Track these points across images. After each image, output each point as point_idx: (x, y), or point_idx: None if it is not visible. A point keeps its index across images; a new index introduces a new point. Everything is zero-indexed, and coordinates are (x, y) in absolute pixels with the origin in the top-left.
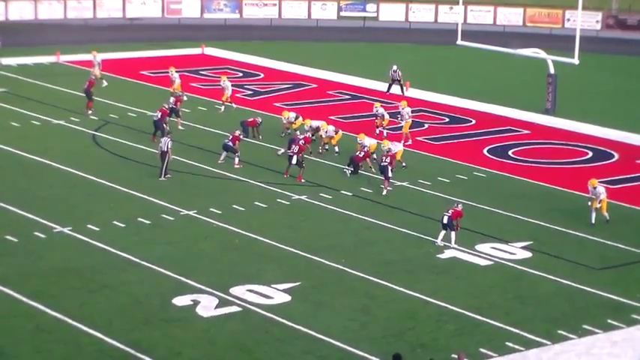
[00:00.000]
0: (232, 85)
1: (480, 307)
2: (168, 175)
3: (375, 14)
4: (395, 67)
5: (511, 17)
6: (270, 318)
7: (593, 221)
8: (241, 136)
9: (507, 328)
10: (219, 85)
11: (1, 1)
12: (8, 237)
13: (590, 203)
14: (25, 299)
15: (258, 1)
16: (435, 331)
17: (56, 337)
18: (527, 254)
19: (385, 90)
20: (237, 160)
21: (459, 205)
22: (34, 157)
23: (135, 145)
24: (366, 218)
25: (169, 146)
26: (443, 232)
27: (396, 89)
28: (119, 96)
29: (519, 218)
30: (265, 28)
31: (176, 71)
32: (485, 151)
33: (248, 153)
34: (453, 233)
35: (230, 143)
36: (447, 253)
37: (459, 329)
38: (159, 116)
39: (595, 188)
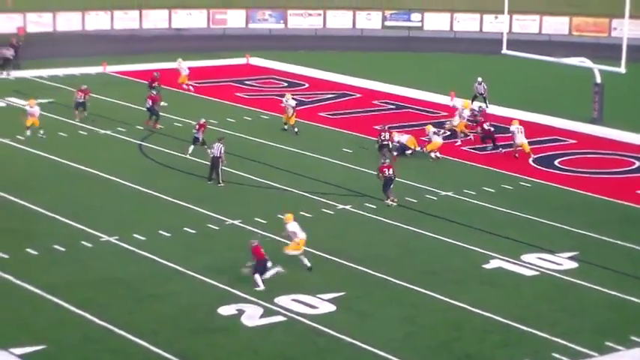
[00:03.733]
0: (276, 95)
1: (526, 318)
2: (221, 184)
3: (419, 24)
4: (480, 80)
5: (557, 26)
6: (315, 328)
7: None
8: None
9: (553, 339)
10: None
11: (50, 12)
12: (56, 246)
13: None
14: (73, 308)
15: (302, 11)
16: (481, 341)
17: (104, 346)
18: (574, 264)
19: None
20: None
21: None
22: (81, 167)
23: (180, 155)
24: (410, 228)
25: (222, 151)
26: None
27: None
28: (165, 106)
29: (565, 228)
30: (310, 38)
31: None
32: (530, 160)
33: (289, 161)
34: None
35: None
36: (493, 264)
37: (504, 340)
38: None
39: None
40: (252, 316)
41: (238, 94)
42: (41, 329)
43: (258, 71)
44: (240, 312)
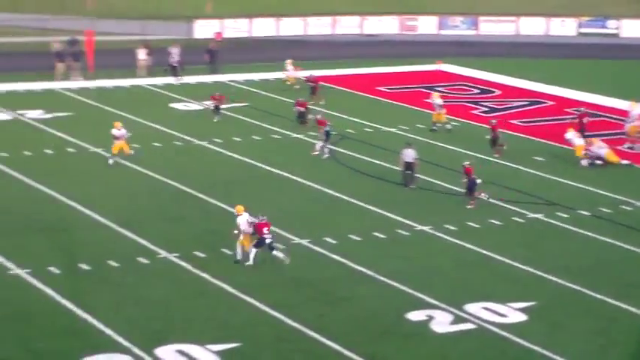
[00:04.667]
0: (468, 102)
1: None
2: (412, 187)
3: (616, 31)
4: None
5: None
6: (506, 337)
7: None
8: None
9: None
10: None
11: (246, 18)
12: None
13: None
14: (266, 308)
15: (495, 17)
16: None
17: (296, 346)
18: None
19: None
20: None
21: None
22: (276, 171)
23: (371, 160)
24: (605, 239)
25: (415, 156)
26: None
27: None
28: (355, 111)
29: None
30: (502, 45)
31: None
32: None
33: (479, 168)
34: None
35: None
36: None
37: None
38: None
39: None
40: (442, 322)
41: (428, 101)
42: (236, 327)
43: (450, 78)
44: (430, 318)
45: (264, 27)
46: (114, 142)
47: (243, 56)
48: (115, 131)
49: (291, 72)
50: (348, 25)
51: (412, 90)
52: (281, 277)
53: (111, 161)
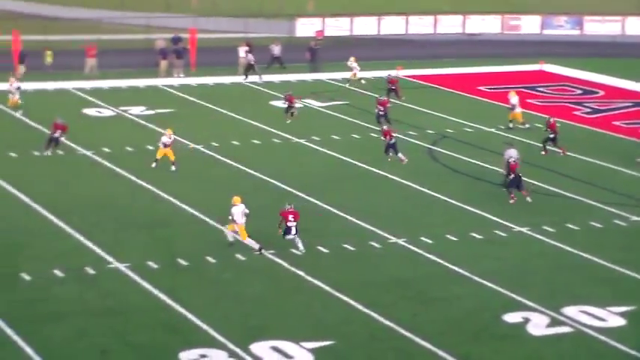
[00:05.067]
0: (570, 103)
1: None
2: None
3: None
4: None
5: None
6: (604, 341)
7: None
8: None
9: None
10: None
11: (347, 17)
12: (346, 245)
13: None
14: (360, 307)
15: (600, 17)
16: None
17: (389, 345)
18: None
19: None
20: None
21: None
22: (372, 169)
23: (470, 160)
24: None
25: (517, 156)
26: None
27: None
28: (456, 111)
29: None
30: (607, 45)
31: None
32: None
33: (578, 169)
34: None
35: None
36: None
37: None
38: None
39: None
40: (539, 324)
41: (530, 101)
42: (330, 325)
43: (552, 78)
44: (526, 320)
45: (365, 26)
46: (160, 148)
47: (344, 54)
48: (165, 139)
49: (355, 70)
50: (450, 25)
51: (513, 90)
52: (376, 276)
53: (154, 165)
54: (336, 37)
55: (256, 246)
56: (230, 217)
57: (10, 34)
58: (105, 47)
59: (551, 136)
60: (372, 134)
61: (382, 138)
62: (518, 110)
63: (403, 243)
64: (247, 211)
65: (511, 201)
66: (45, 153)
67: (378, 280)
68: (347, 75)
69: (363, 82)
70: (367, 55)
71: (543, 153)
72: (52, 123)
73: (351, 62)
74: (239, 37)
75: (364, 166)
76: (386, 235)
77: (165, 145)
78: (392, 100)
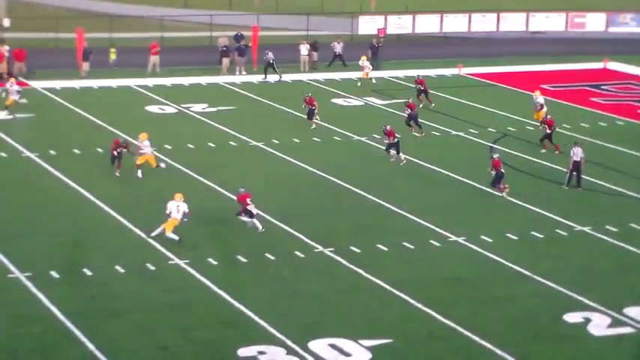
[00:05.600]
0: (635, 101)
1: None
2: (580, 189)
3: None
4: None
5: None
6: None
7: None
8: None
9: None
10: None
11: (409, 14)
12: (406, 244)
13: None
14: (419, 305)
15: None
16: None
17: (448, 344)
18: None
19: None
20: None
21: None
22: (432, 167)
23: (530, 159)
24: None
25: (582, 155)
26: None
27: None
28: (518, 109)
29: None
30: None
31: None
32: None
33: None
34: None
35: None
36: None
37: None
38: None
39: None
40: (600, 325)
41: (594, 99)
42: (388, 323)
43: (616, 76)
44: (587, 320)
45: (427, 23)
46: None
47: (405, 52)
48: (142, 145)
49: (366, 69)
50: (513, 22)
51: (577, 88)
52: (435, 275)
53: (139, 173)
54: (398, 35)
55: (176, 238)
56: (167, 212)
57: (75, 32)
58: (168, 45)
59: (548, 132)
60: (434, 132)
61: (385, 138)
62: (544, 110)
63: (463, 241)
64: (187, 210)
65: (504, 193)
66: (116, 173)
67: (438, 279)
68: (408, 73)
69: (373, 81)
70: (429, 54)
71: (548, 150)
72: (113, 141)
73: (363, 61)
74: (301, 34)
75: (424, 163)
76: (446, 233)
77: (141, 153)
78: (422, 100)
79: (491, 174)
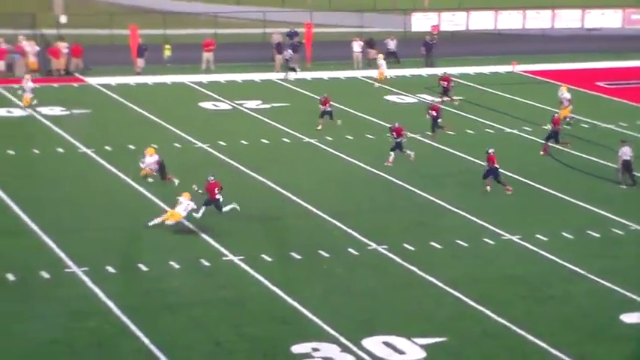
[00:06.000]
0: None
1: None
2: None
3: None
4: None
5: None
6: None
7: None
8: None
9: None
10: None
11: (463, 11)
12: (459, 241)
13: None
14: (472, 303)
15: None
16: None
17: (502, 343)
18: None
19: None
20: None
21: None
22: (484, 164)
23: (585, 157)
24: None
25: (631, 154)
26: None
27: None
28: (573, 107)
29: None
30: None
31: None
32: None
33: None
34: None
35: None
36: None
37: None
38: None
39: None
40: None
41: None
42: (442, 321)
43: None
44: None
45: (481, 20)
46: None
47: (459, 49)
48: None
49: (382, 67)
50: (568, 19)
51: (634, 86)
52: (489, 273)
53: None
54: (452, 32)
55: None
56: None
57: (129, 28)
58: (221, 41)
59: (554, 132)
60: (487, 130)
61: (392, 136)
62: (569, 107)
63: (517, 240)
64: (195, 207)
65: (487, 188)
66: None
67: (492, 277)
68: (462, 70)
69: (388, 77)
70: (483, 50)
71: (567, 146)
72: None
73: (379, 59)
74: (354, 31)
75: (477, 161)
76: (500, 231)
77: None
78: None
79: (486, 168)
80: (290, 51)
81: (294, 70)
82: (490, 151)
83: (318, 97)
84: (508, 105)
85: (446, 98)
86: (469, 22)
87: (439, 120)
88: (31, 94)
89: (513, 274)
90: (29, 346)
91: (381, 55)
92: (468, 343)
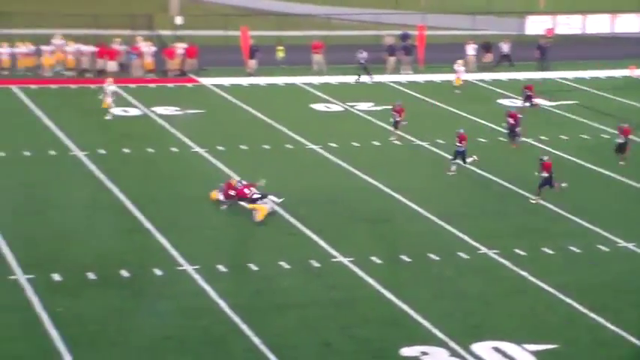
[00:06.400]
0: None
1: None
2: None
3: None
4: None
5: None
6: None
7: None
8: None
9: None
10: None
11: (579, 14)
12: (572, 247)
13: None
14: (585, 310)
15: None
16: None
17: (616, 352)
18: None
19: None
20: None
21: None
22: (601, 170)
23: None
24: None
25: None
26: None
27: None
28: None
29: None
30: None
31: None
32: None
33: None
34: None
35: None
36: None
37: None
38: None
39: None
40: None
41: None
42: (553, 328)
43: None
44: None
45: (598, 24)
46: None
47: (575, 53)
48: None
49: (460, 74)
50: None
51: None
52: (602, 280)
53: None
54: (567, 36)
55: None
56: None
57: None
58: (334, 43)
59: (622, 142)
60: (603, 135)
61: (457, 143)
62: None
63: (633, 247)
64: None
65: (533, 201)
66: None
67: (605, 284)
68: (578, 74)
69: (456, 84)
70: (600, 55)
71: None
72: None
73: (458, 66)
74: (467, 34)
75: (592, 167)
76: (614, 238)
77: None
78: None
79: (542, 176)
80: (365, 53)
81: (368, 73)
82: (545, 158)
83: (391, 106)
84: (625, 110)
85: (527, 104)
86: (585, 26)
87: (517, 129)
88: (111, 98)
89: (627, 282)
90: (143, 341)
91: (460, 61)
92: (579, 351)
